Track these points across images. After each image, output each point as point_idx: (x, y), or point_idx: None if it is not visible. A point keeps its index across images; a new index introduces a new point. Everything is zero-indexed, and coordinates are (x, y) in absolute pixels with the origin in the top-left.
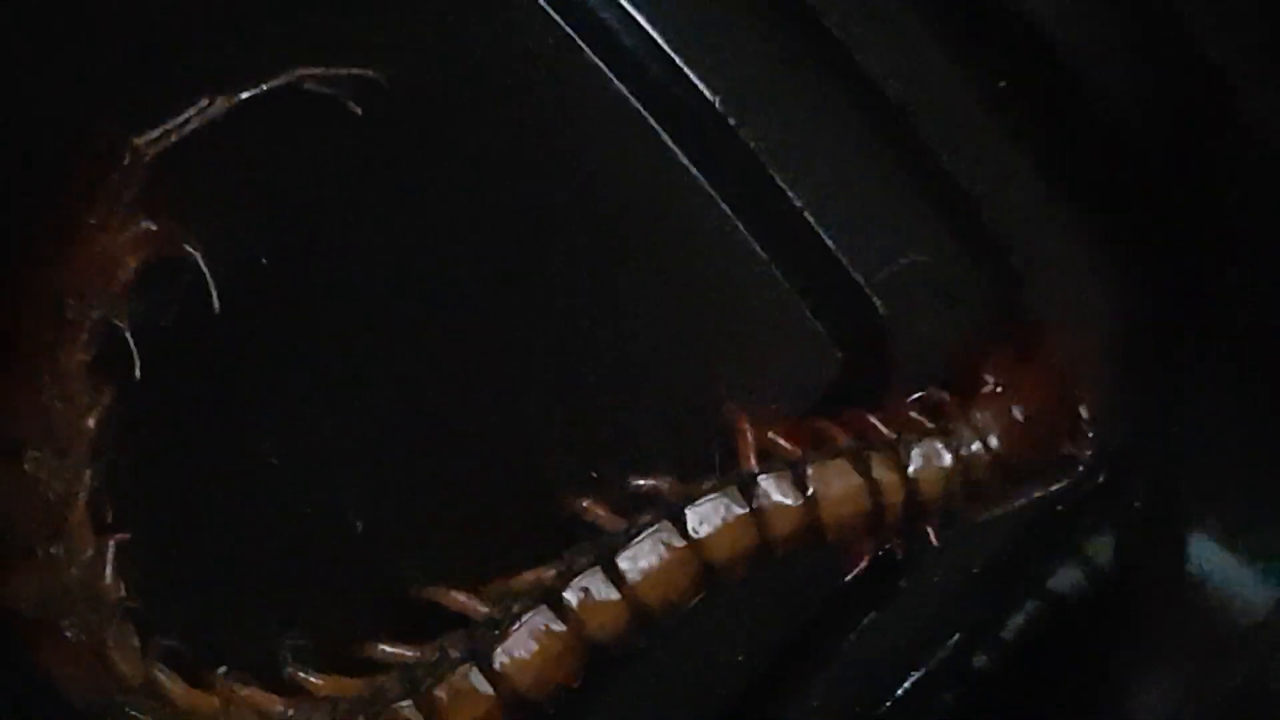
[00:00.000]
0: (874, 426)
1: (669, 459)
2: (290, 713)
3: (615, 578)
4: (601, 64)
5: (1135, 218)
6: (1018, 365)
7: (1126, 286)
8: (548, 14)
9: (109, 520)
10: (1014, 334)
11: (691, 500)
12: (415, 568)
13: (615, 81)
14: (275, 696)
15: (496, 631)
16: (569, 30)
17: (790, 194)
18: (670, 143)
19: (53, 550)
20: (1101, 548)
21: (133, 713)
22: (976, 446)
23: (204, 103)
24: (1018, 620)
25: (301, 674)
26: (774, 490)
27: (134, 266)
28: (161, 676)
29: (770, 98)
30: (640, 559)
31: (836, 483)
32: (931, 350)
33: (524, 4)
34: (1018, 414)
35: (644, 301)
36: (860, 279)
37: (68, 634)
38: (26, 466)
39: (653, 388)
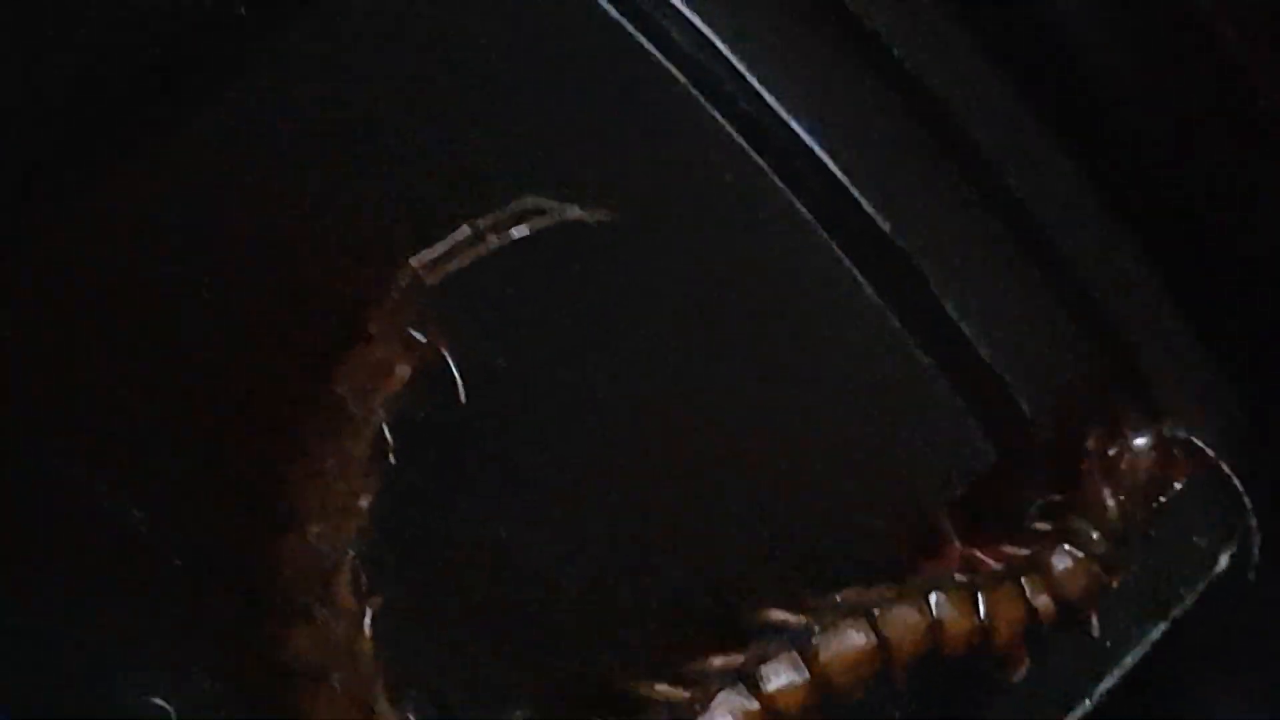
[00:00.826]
0: (1007, 553)
1: (848, 561)
2: None
3: (807, 661)
4: (795, 200)
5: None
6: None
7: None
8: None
9: (365, 587)
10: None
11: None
12: (619, 656)
13: (804, 210)
14: None
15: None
16: (767, 170)
17: (950, 311)
18: (850, 264)
19: (324, 612)
20: None
21: None
22: (1096, 535)
23: (468, 233)
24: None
25: None
26: (948, 606)
27: (408, 372)
28: None
29: (934, 226)
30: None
31: (1003, 606)
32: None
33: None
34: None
35: (818, 406)
36: (1010, 383)
37: (337, 686)
38: (309, 537)
39: (823, 490)
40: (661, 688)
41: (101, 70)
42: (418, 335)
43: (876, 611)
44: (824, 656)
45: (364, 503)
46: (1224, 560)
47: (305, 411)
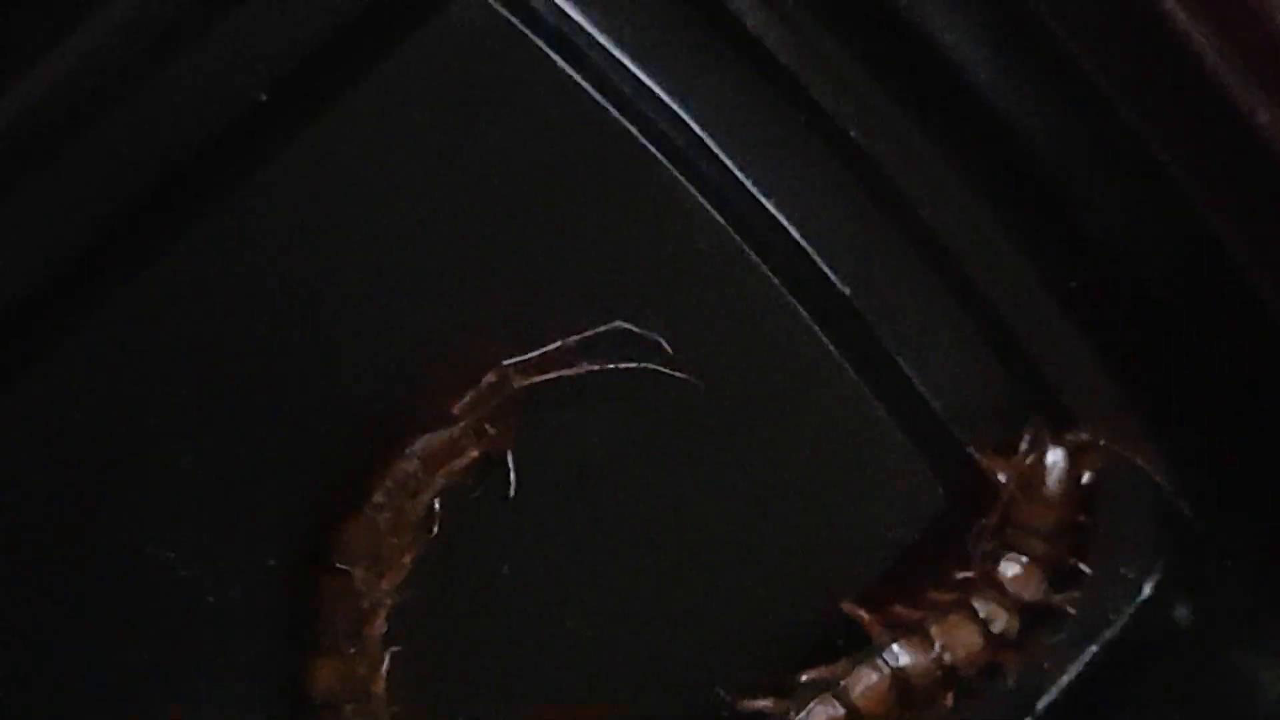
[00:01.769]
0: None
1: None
2: None
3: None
4: (769, 273)
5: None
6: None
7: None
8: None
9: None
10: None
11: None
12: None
13: (774, 279)
14: None
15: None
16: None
17: (904, 367)
18: (818, 330)
19: (352, 650)
20: None
21: None
22: (1031, 538)
23: (559, 346)
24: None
25: None
26: (904, 653)
27: (474, 455)
28: None
29: (887, 290)
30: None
31: (956, 631)
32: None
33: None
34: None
35: (786, 466)
36: (958, 435)
37: (348, 714)
38: (355, 581)
39: (789, 549)
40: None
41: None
42: (490, 429)
43: (842, 684)
44: None
45: (408, 559)
46: (1148, 589)
47: (376, 469)
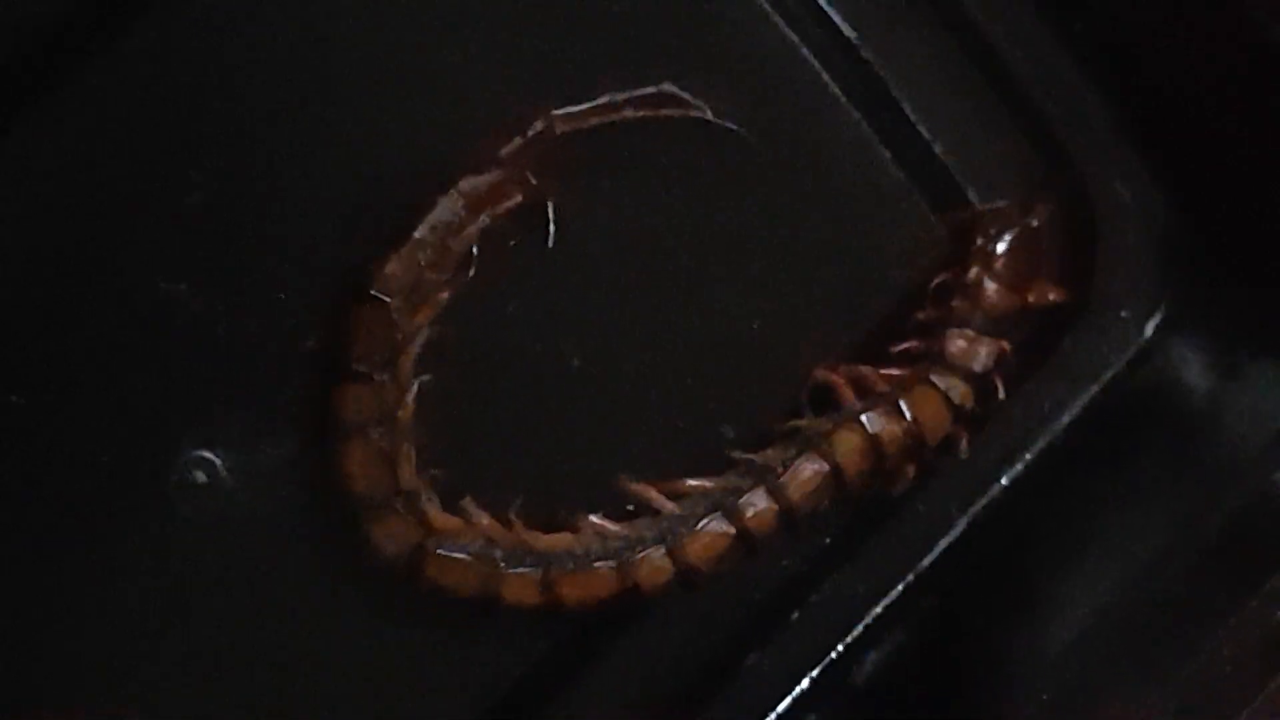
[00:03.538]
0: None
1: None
2: (505, 548)
3: (774, 495)
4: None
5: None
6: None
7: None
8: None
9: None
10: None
11: (828, 433)
12: (615, 463)
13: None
14: (505, 531)
15: (682, 528)
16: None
17: (909, 112)
18: (823, 72)
19: (382, 376)
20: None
21: (398, 510)
22: (976, 313)
23: (606, 101)
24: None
25: (521, 525)
26: (879, 420)
27: (517, 200)
28: (425, 491)
29: (892, 33)
30: (793, 481)
31: (923, 404)
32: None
33: None
34: (1005, 273)
35: (796, 210)
36: (960, 180)
37: (373, 438)
38: (392, 312)
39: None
40: (654, 494)
41: None
42: (532, 177)
43: (826, 443)
44: (790, 490)
45: (444, 295)
46: (1149, 330)
47: (417, 205)
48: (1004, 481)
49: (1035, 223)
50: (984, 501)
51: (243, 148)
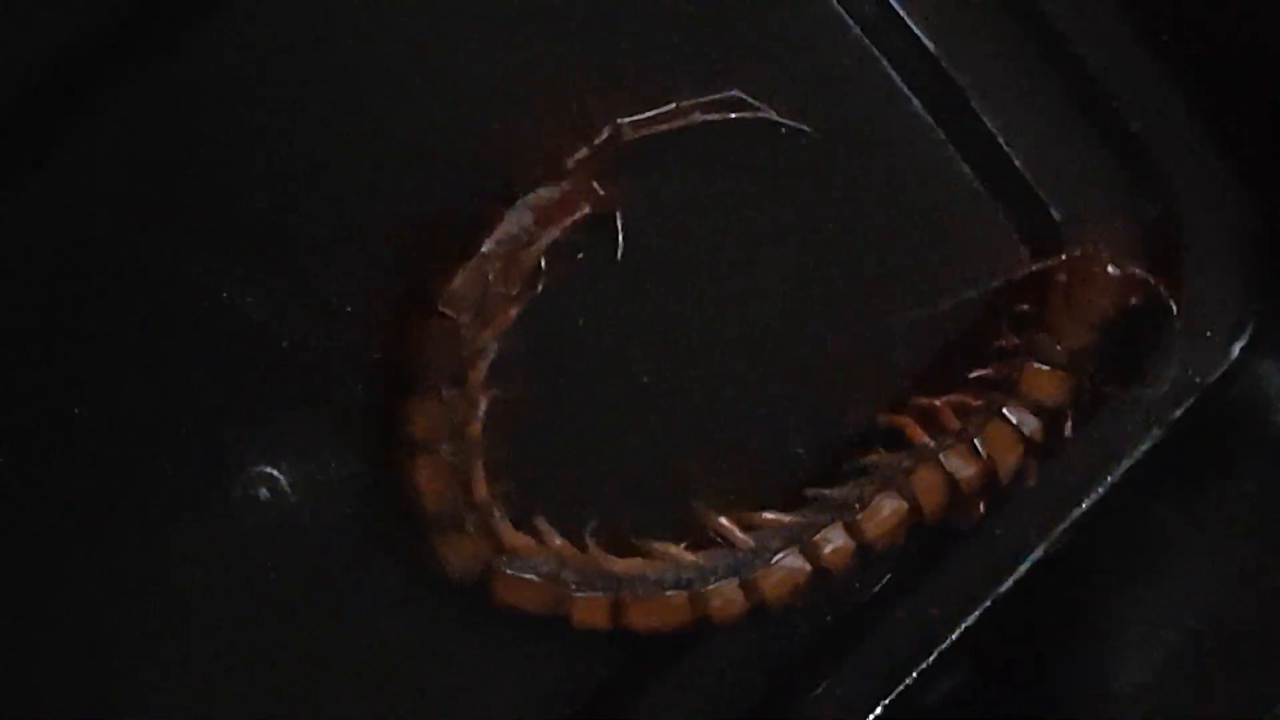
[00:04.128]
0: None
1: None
2: (588, 568)
3: (851, 532)
4: (854, 26)
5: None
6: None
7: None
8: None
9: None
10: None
11: (906, 473)
12: (689, 487)
13: (861, 35)
14: (576, 552)
15: (757, 561)
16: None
17: (990, 125)
18: (905, 89)
19: (452, 393)
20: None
21: (468, 528)
22: (1057, 346)
23: (674, 107)
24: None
25: (594, 547)
26: (958, 461)
27: (585, 212)
28: (495, 508)
29: (977, 49)
30: (872, 519)
31: (997, 440)
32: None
33: None
34: (1087, 312)
35: (871, 223)
36: (1043, 194)
37: (443, 454)
38: (460, 328)
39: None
40: (730, 527)
41: None
42: (600, 188)
43: (905, 481)
44: (867, 527)
45: (514, 309)
46: (1236, 351)
47: (484, 218)
48: (1084, 506)
49: (1124, 261)
50: (1063, 527)
51: (309, 156)
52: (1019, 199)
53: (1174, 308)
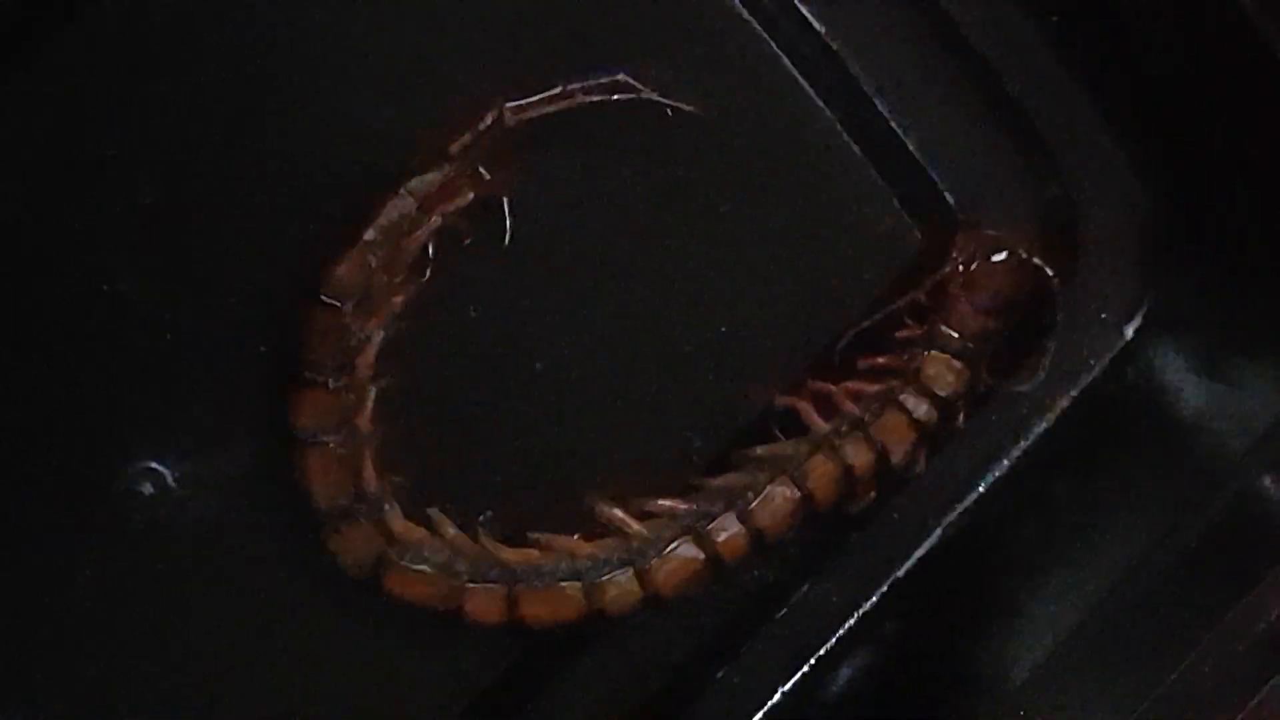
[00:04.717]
0: (883, 366)
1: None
2: (481, 560)
3: (745, 520)
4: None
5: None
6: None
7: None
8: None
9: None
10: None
11: (800, 461)
12: (585, 482)
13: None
14: (469, 542)
15: (650, 551)
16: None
17: (880, 106)
18: (792, 69)
19: (339, 383)
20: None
21: (359, 520)
22: (956, 335)
23: (560, 90)
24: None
25: (488, 538)
26: (853, 450)
27: (470, 198)
28: (387, 499)
29: (871, 33)
30: (765, 507)
31: (893, 430)
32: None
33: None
34: (984, 300)
35: (765, 209)
36: (937, 179)
37: (332, 445)
38: (344, 317)
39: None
40: (622, 517)
41: None
42: (485, 172)
43: (798, 470)
44: (760, 515)
45: (399, 297)
46: (1129, 333)
47: (369, 204)
48: (981, 489)
49: (1022, 250)
50: (960, 509)
51: (192, 146)
52: (913, 184)
53: (1056, 297)
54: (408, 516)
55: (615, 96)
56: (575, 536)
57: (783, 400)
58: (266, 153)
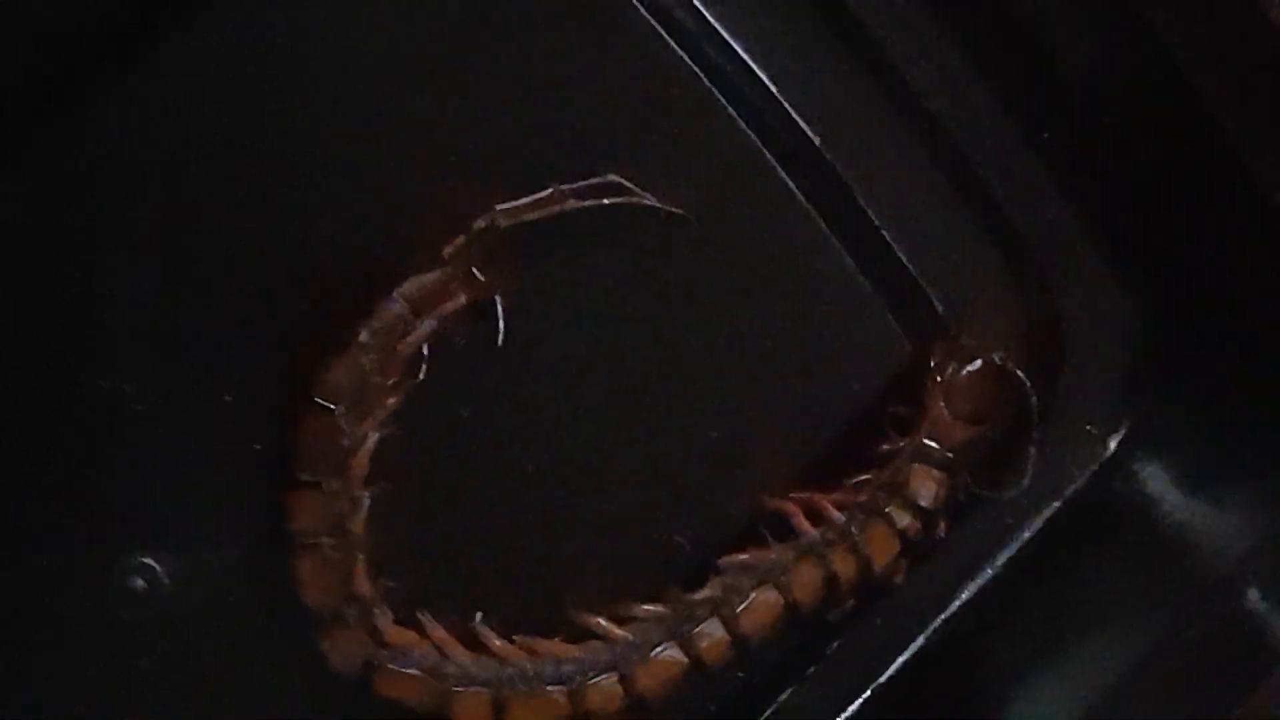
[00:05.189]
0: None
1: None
2: (470, 664)
3: (728, 625)
4: (739, 120)
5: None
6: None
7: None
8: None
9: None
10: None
11: (786, 568)
12: (576, 586)
13: (744, 128)
14: (462, 648)
15: (635, 655)
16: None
17: (872, 215)
18: (785, 176)
19: (333, 485)
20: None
21: (350, 622)
22: (938, 448)
23: (551, 193)
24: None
25: (488, 636)
26: (838, 559)
27: (463, 301)
28: (378, 603)
29: (863, 140)
30: (749, 613)
31: (878, 540)
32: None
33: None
34: (963, 410)
35: (754, 314)
36: (926, 286)
37: (325, 547)
38: (338, 419)
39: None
40: (603, 624)
41: None
42: (479, 274)
43: (783, 577)
44: (744, 621)
45: (393, 400)
46: (1113, 445)
47: (363, 307)
48: (964, 597)
49: (997, 358)
50: (943, 617)
51: (188, 245)
52: (902, 291)
53: (1033, 408)
54: (398, 620)
55: (606, 201)
56: (559, 640)
57: (773, 504)
58: (262, 253)
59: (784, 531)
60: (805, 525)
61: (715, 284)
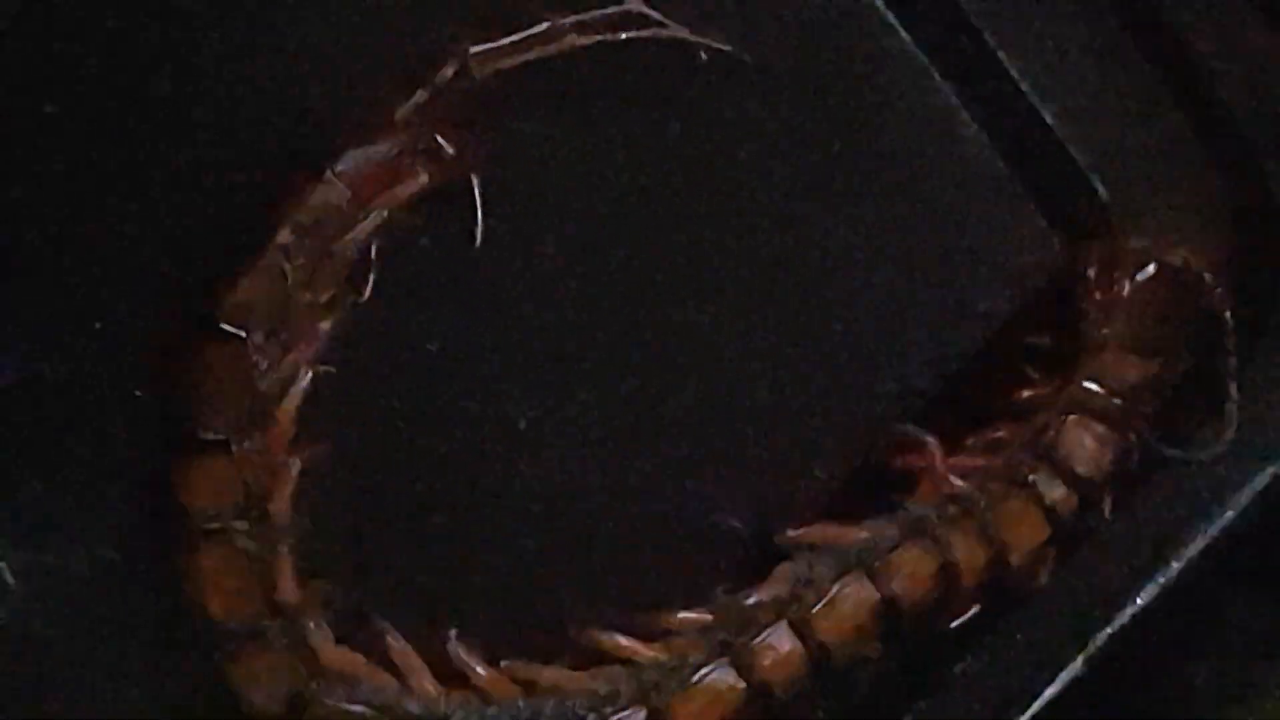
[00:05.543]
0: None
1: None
2: (438, 700)
3: (801, 632)
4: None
5: None
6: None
7: None
8: None
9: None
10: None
11: (883, 550)
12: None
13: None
14: (430, 678)
15: (671, 681)
16: None
17: (1021, 85)
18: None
19: (244, 446)
20: None
21: (272, 642)
22: (1103, 392)
23: (546, 28)
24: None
25: (466, 662)
26: (960, 542)
27: (424, 182)
28: (310, 613)
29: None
30: (830, 614)
31: (1017, 522)
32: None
33: None
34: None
35: (885, 209)
36: (1085, 168)
37: (237, 537)
38: (250, 350)
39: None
40: (626, 643)
41: None
42: (448, 147)
43: (879, 564)
44: (823, 627)
45: (327, 325)
46: None
47: (285, 192)
48: (1138, 604)
49: (1181, 263)
50: (1109, 632)
51: (47, 137)
52: (1052, 173)
53: (1234, 344)
54: (339, 639)
55: (623, 35)
56: (564, 664)
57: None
58: (144, 139)
59: (881, 502)
60: (926, 492)
61: (782, 154)
